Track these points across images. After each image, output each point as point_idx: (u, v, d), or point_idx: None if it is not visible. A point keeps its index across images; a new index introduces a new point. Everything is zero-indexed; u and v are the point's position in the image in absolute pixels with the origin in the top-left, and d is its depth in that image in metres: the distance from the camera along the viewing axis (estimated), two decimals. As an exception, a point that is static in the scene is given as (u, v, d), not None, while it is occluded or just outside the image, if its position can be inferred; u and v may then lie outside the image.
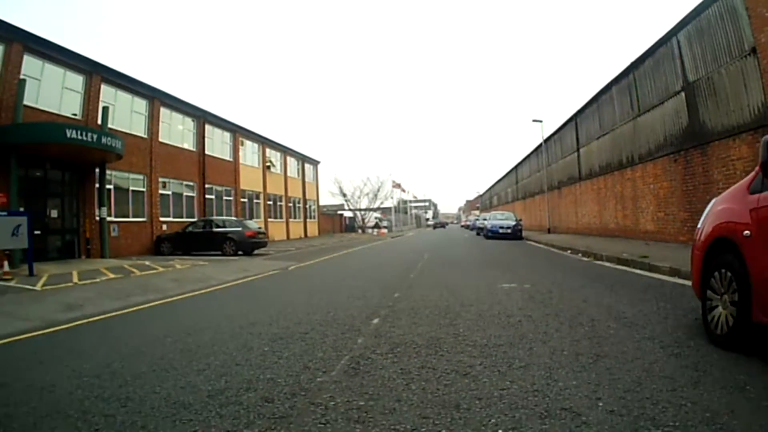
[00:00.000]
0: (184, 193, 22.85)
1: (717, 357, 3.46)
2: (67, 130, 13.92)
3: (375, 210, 64.61)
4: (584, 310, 5.48)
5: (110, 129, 16.63)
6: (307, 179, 42.06)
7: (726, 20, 13.38)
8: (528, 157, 43.00)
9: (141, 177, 19.50)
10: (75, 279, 10.90)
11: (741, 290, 3.49)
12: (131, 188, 18.99)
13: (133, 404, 2.91)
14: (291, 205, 37.66)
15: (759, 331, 3.40)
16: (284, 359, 3.83)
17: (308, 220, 41.42)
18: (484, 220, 35.42)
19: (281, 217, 35.10)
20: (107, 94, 17.84)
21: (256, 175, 31.41)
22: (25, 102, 14.27)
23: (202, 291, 8.96)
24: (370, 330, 4.83)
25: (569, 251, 15.57)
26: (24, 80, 14.27)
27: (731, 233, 3.69)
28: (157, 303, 7.62)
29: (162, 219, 20.53)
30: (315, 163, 44.77)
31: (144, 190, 19.68)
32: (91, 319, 6.27)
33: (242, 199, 28.70)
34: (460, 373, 3.32)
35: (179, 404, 2.87)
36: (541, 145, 34.25)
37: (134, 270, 12.63)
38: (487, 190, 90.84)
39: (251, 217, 28.35)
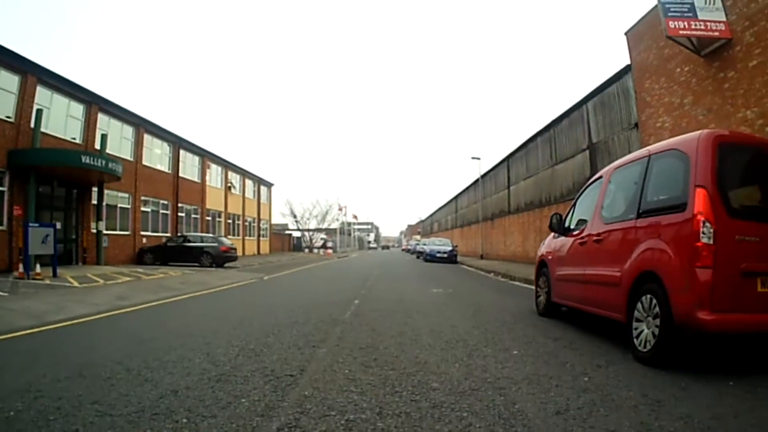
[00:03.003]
0: (161, 211, 25.37)
1: (535, 319, 7.04)
2: (82, 156, 16.54)
3: (321, 231, 67.58)
4: (480, 302, 9.12)
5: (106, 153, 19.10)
6: (261, 200, 44.80)
7: (621, 98, 17.14)
8: (467, 189, 46.91)
9: (127, 195, 21.98)
10: (99, 280, 13.26)
11: (548, 285, 7.10)
12: (119, 205, 21.44)
13: (242, 327, 6.12)
14: (247, 224, 40.32)
15: (556, 306, 7.00)
16: (316, 314, 7.13)
17: (261, 238, 44.09)
18: (424, 245, 38.62)
19: (239, 235, 37.63)
20: (103, 121, 20.38)
21: (219, 195, 34.08)
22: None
23: (208, 291, 11.52)
24: (355, 304, 8.36)
25: (492, 273, 19.19)
26: (41, 110, 16.61)
27: (545, 256, 7.34)
28: (182, 297, 10.14)
29: (143, 233, 22.99)
30: (269, 185, 47.62)
31: (129, 207, 22.15)
32: (147, 305, 8.57)
33: (207, 218, 31.35)
34: (407, 316, 6.95)
35: (266, 331, 6.09)
36: (478, 180, 38.11)
37: (140, 275, 15.19)
38: (429, 216, 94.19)
39: (214, 234, 30.83)
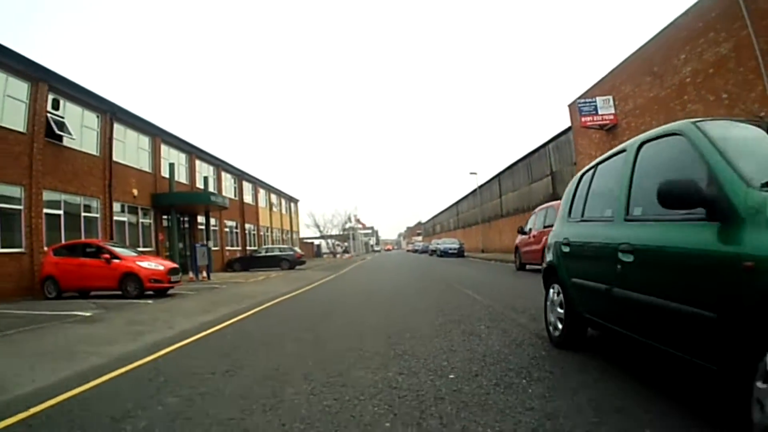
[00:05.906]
0: (234, 230, 32.56)
1: (515, 272, 14.36)
2: (211, 196, 23.49)
3: (334, 237, 74.84)
4: (490, 269, 16.52)
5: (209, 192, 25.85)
6: (292, 215, 52.04)
7: (568, 145, 24.47)
8: (466, 197, 53.95)
9: (214, 220, 28.87)
10: (245, 279, 19.45)
11: (519, 257, 14.60)
12: (211, 228, 28.35)
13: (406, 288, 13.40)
14: (287, 236, 47.51)
15: (523, 266, 14.53)
16: (425, 279, 14.46)
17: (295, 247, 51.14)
18: (437, 244, 44.36)
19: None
20: (198, 165, 27.43)
21: (266, 214, 41.26)
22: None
23: (322, 281, 16.40)
24: (434, 277, 15.42)
25: (492, 261, 26.16)
26: (173, 163, 23.14)
27: (518, 244, 14.87)
28: (317, 284, 15.28)
29: (227, 248, 30.11)
30: (296, 201, 54.85)
31: (217, 228, 29.11)
32: (306, 288, 13.72)
33: (260, 233, 38.52)
34: (464, 277, 14.20)
35: (420, 289, 13.40)
36: (476, 190, 44.97)
37: (259, 276, 21.45)
38: (430, 219, 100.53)
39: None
